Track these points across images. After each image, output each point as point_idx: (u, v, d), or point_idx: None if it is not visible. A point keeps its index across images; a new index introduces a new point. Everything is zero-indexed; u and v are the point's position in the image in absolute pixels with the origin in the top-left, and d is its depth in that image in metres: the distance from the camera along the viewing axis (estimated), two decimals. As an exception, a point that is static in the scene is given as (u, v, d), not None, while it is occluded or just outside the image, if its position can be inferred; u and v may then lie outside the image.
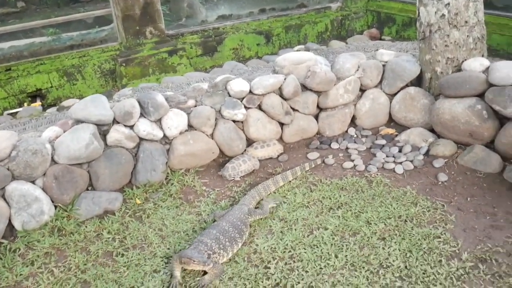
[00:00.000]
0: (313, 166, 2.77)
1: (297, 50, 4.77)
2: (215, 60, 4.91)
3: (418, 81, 3.10)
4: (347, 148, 2.94)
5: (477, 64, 2.78)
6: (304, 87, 3.05)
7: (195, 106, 2.89)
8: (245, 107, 2.92)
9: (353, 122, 3.18)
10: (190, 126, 2.83)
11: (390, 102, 3.14)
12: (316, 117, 3.13)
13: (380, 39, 5.19)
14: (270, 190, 2.53)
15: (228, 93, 2.95)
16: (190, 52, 4.77)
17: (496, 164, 2.58)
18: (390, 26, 5.29)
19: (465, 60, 2.85)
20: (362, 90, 3.17)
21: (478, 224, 2.18)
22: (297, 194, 2.50)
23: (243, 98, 2.94)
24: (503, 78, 2.58)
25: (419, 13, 2.95)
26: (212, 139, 2.86)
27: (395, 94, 3.12)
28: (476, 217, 2.24)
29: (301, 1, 5.67)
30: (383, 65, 3.16)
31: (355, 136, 3.08)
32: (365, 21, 5.60)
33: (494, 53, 4.38)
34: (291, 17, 5.34)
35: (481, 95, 2.69)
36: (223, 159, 2.90)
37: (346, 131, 3.13)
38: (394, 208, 2.31)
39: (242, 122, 2.94)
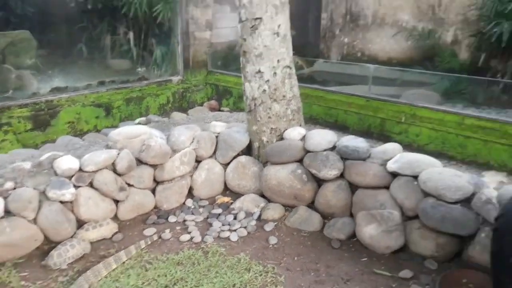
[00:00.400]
0: (149, 243, 2.68)
1: (138, 123, 4.76)
2: (47, 135, 4.58)
3: (248, 150, 3.33)
4: (184, 221, 2.94)
5: (295, 133, 3.11)
6: (139, 161, 3.01)
7: (14, 188, 2.61)
8: (75, 186, 2.74)
9: (190, 193, 3.22)
10: (8, 212, 2.52)
11: (225, 171, 3.28)
12: (153, 190, 3.09)
13: (219, 110, 5.51)
14: (101, 275, 2.36)
15: (55, 171, 2.75)
16: (18, 127, 4.38)
17: (317, 222, 2.84)
18: (228, 98, 5.67)
19: (286, 129, 3.17)
20: (198, 161, 3.26)
21: (304, 282, 2.33)
22: (131, 276, 2.37)
23: (72, 176, 2.76)
24: (316, 145, 2.93)
25: (245, 88, 3.23)
26: (35, 224, 2.58)
27: (229, 163, 3.29)
28: (302, 275, 2.39)
29: (142, 74, 5.76)
30: (216, 136, 3.33)
31: (193, 207, 3.11)
32: (205, 93, 5.91)
33: (315, 121, 4.99)
34: (132, 90, 5.35)
35: (300, 161, 3.00)
36: (49, 245, 2.62)
37: (184, 203, 3.15)
38: (228, 277, 2.34)
39: (71, 202, 2.74)
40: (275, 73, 3.06)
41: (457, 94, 5.50)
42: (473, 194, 2.42)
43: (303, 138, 3.06)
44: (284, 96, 3.13)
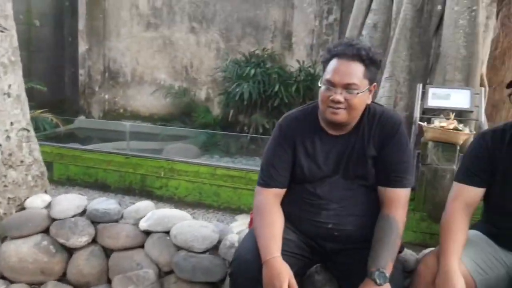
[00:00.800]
0: None
1: None
2: None
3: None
4: None
5: (39, 201, 2.81)
6: None
7: None
8: None
9: None
10: None
11: None
12: None
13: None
14: None
15: None
16: None
17: (69, 297, 2.60)
18: (-37, 163, 4.82)
19: (27, 198, 2.84)
20: None
21: None
22: None
23: None
24: (63, 211, 2.71)
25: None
26: None
27: (-47, 245, 2.73)
28: None
29: None
30: None
31: None
32: None
33: (73, 183, 4.69)
34: None
35: (46, 231, 2.71)
36: None
37: None
38: None
39: None
40: (8, 136, 2.75)
41: (213, 147, 6.05)
42: (219, 241, 2.59)
43: (49, 205, 2.79)
44: (22, 161, 2.83)
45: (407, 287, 1.93)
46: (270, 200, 1.89)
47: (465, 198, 1.86)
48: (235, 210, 4.33)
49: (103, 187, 4.57)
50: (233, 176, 4.27)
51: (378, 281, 1.63)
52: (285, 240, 1.82)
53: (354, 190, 1.87)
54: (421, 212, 3.70)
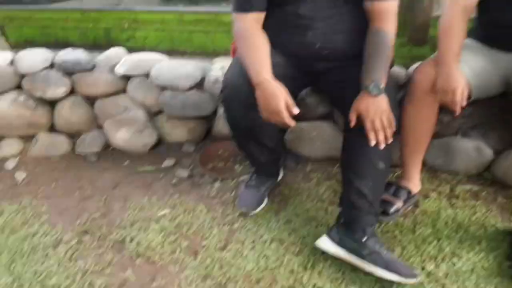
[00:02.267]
0: None
1: None
2: None
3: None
4: None
5: (1, 59, 2.68)
6: None
7: None
8: None
9: None
10: None
11: None
12: None
13: None
14: None
15: None
16: None
17: (65, 144, 2.68)
18: None
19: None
20: None
21: (70, 202, 2.23)
22: None
23: None
24: (30, 66, 2.63)
25: None
26: None
27: None
28: (67, 197, 2.28)
29: None
30: None
31: None
32: None
33: (32, 44, 4.42)
34: None
35: (19, 87, 2.68)
36: None
37: None
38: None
39: None
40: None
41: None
42: (202, 79, 2.59)
43: (12, 63, 2.68)
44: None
45: (400, 100, 1.91)
46: (251, 25, 1.77)
47: (464, 1, 1.76)
48: (210, 54, 4.25)
49: (65, 46, 4.33)
50: (203, 20, 4.12)
51: (373, 92, 1.59)
52: (273, 63, 1.72)
53: (338, 7, 1.76)
54: (401, 37, 3.70)
